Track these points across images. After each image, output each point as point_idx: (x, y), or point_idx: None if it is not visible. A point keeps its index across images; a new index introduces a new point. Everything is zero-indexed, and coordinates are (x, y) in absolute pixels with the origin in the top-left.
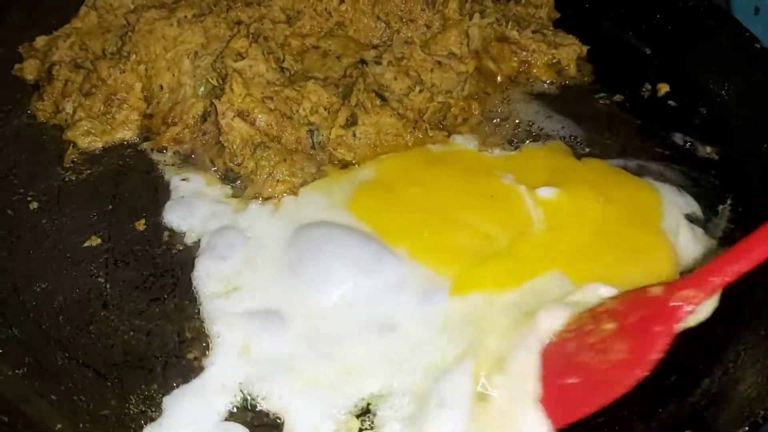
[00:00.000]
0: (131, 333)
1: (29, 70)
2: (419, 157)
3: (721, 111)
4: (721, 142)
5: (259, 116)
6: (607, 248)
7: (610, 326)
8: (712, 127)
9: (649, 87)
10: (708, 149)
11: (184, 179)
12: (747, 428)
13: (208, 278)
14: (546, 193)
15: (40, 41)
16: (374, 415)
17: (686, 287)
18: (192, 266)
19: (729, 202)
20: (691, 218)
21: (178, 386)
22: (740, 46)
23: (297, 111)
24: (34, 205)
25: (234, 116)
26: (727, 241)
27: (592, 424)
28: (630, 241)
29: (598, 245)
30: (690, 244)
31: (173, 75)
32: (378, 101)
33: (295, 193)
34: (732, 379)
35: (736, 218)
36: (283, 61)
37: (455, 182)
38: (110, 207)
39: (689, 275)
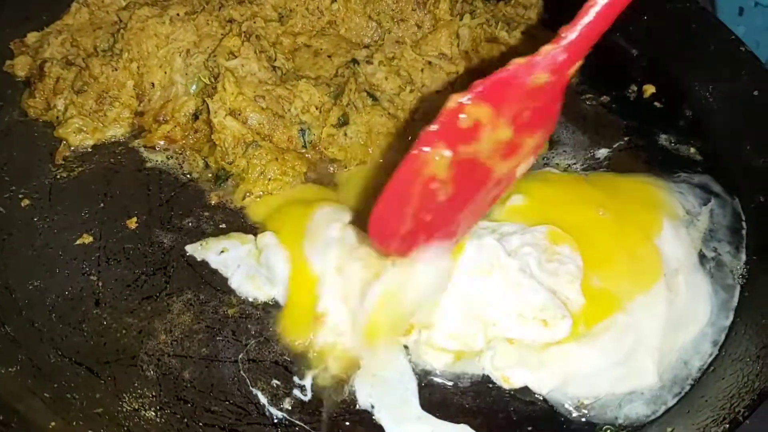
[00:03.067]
0: (123, 331)
1: (20, 66)
2: None
3: (705, 112)
4: (705, 143)
5: (251, 115)
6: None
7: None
8: (697, 128)
9: (635, 88)
10: (692, 150)
11: None
12: (728, 425)
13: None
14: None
15: (32, 37)
16: None
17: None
18: (184, 260)
19: (712, 202)
20: (673, 218)
21: None
22: (725, 49)
23: (289, 110)
24: (26, 202)
25: (226, 115)
26: (709, 241)
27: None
28: (622, 248)
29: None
30: (673, 244)
31: (165, 73)
32: (369, 101)
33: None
34: (713, 376)
35: (718, 219)
36: (275, 59)
37: None
38: (102, 205)
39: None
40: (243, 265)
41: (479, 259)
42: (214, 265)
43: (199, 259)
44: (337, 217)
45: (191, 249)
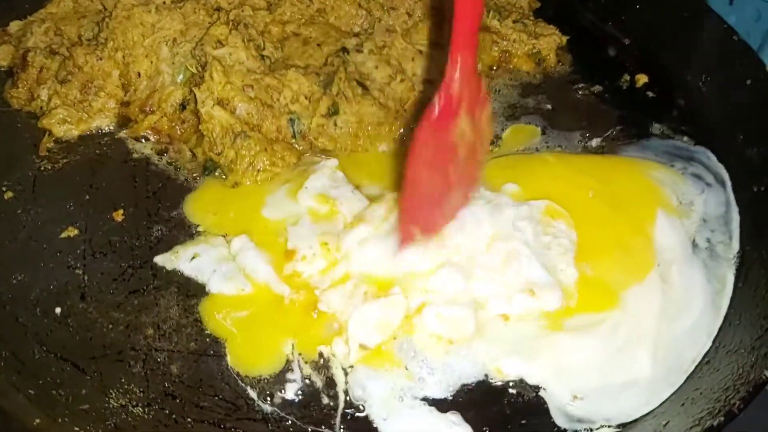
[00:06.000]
0: (110, 326)
1: (3, 56)
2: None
3: (698, 102)
4: (698, 133)
5: (240, 105)
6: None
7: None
8: (690, 117)
9: (628, 78)
10: (685, 139)
11: None
12: (723, 417)
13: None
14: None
15: (14, 26)
16: None
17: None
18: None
19: (705, 192)
20: (667, 208)
21: None
22: (718, 39)
23: (278, 99)
24: (9, 194)
25: (214, 104)
26: (702, 231)
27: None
28: (615, 238)
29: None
30: (667, 234)
31: (151, 62)
32: (359, 90)
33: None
34: (707, 368)
35: (711, 209)
36: (264, 48)
37: None
38: (87, 197)
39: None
40: (219, 269)
41: (478, 228)
42: (187, 272)
43: (170, 269)
44: None
45: (161, 260)
